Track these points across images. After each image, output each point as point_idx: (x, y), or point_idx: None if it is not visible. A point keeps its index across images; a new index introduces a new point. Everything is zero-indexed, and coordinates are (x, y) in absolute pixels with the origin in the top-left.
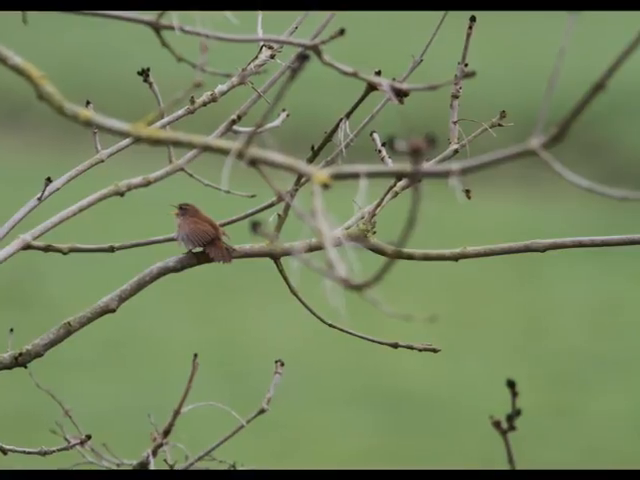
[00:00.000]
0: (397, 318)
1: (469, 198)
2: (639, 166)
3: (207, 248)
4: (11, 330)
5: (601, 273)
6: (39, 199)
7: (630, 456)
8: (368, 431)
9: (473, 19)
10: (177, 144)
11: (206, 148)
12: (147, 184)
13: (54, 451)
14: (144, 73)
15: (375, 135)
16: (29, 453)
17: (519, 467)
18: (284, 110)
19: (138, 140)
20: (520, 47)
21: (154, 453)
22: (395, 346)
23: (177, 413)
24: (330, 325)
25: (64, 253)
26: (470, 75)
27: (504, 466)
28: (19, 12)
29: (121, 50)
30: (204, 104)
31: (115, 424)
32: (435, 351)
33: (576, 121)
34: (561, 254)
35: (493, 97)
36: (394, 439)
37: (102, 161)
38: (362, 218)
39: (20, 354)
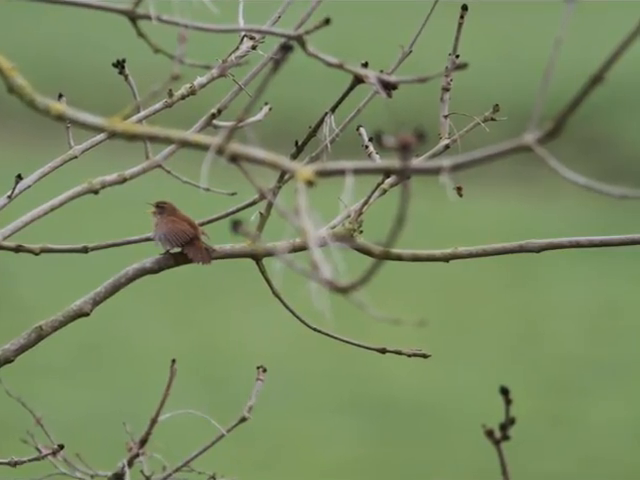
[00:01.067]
0: (385, 322)
1: (460, 196)
2: (639, 162)
3: (186, 248)
4: None
5: (600, 275)
6: (9, 197)
7: (630, 466)
8: (354, 440)
9: (465, 8)
10: (154, 139)
11: (184, 143)
12: (122, 181)
13: (25, 461)
14: (120, 65)
15: (362, 130)
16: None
17: (514, 479)
18: (266, 104)
19: (113, 135)
20: (514, 38)
21: (130, 463)
22: (383, 351)
23: (154, 421)
24: (314, 329)
25: (36, 254)
26: (462, 67)
27: (497, 477)
28: None
29: (96, 41)
30: (182, 97)
31: (89, 433)
32: (425, 356)
33: (573, 115)
34: (558, 255)
35: (486, 90)
36: (381, 449)
37: (75, 157)
38: (348, 217)
39: None
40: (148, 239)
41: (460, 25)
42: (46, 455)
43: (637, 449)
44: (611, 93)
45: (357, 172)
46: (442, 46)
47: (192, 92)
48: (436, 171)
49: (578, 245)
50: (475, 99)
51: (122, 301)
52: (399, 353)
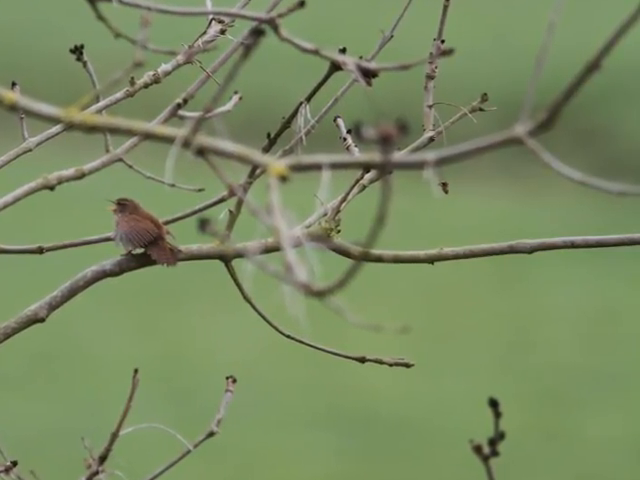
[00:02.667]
0: (365, 328)
1: (446, 192)
2: (636, 156)
3: (149, 249)
4: None
5: (596, 277)
6: None
7: None
8: (331, 456)
9: None
10: (115, 131)
11: (148, 136)
12: (81, 176)
13: None
14: (77, 51)
15: (339, 121)
16: None
17: None
18: (236, 92)
19: (70, 127)
20: (504, 22)
21: None
22: (362, 360)
23: (115, 436)
24: (287, 336)
25: None
26: (447, 53)
27: None
28: None
29: (53, 25)
30: (145, 86)
31: (45, 448)
32: (407, 366)
33: (568, 105)
34: (551, 256)
35: (474, 78)
36: (360, 465)
37: (30, 150)
38: (325, 215)
39: None
40: (108, 239)
41: (445, 8)
42: None
43: (635, 466)
44: (608, 81)
45: (334, 166)
46: (426, 30)
47: (156, 80)
48: (420, 165)
49: (573, 245)
50: (462, 87)
51: (80, 306)
52: (380, 362)
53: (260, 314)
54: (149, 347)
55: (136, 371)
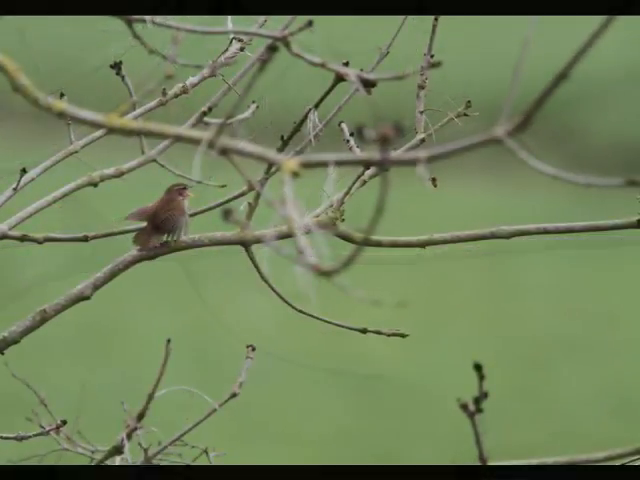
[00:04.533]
0: (366, 303)
1: (435, 186)
2: (604, 153)
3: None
4: None
5: (567, 259)
6: (14, 189)
7: (601, 440)
8: (339, 413)
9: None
10: (149, 134)
11: (178, 138)
12: (120, 175)
13: (30, 436)
14: (116, 66)
15: (343, 125)
16: (6, 438)
17: (488, 448)
18: (254, 102)
19: (111, 131)
20: (487, 35)
21: (128, 437)
22: (364, 331)
23: (151, 397)
24: (300, 311)
25: (39, 242)
26: (436, 66)
27: (473, 448)
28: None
29: (97, 39)
30: (175, 96)
31: (90, 409)
32: (403, 336)
33: (540, 110)
34: (527, 240)
35: (460, 86)
36: (365, 421)
37: (76, 152)
38: (331, 206)
39: None
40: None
41: (434, 27)
42: (49, 431)
43: (606, 422)
44: (578, 88)
45: (339, 164)
46: (419, 45)
47: (184, 91)
48: (413, 162)
49: (545, 231)
50: (450, 95)
51: (120, 286)
52: (379, 333)
53: (275, 292)
54: (180, 320)
55: (169, 341)
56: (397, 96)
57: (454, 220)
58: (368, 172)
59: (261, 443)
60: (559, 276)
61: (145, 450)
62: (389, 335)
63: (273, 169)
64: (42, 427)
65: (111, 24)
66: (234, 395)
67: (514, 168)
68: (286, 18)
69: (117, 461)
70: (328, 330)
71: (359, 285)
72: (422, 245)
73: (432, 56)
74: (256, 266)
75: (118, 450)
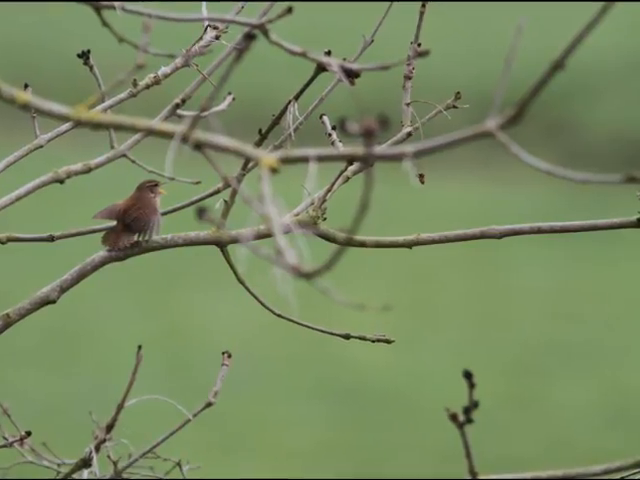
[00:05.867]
0: (349, 307)
1: (422, 183)
2: (601, 147)
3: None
4: None
5: (560, 259)
6: None
7: (598, 450)
8: (321, 424)
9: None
10: (119, 128)
11: (149, 132)
12: (88, 171)
13: None
14: (84, 55)
15: (325, 118)
16: None
17: (479, 462)
18: (230, 93)
19: (79, 124)
20: (476, 25)
21: (97, 449)
22: (347, 337)
23: (120, 407)
24: (278, 315)
25: (2, 243)
26: (423, 54)
27: (463, 461)
28: None
29: (64, 28)
30: (147, 87)
31: (55, 419)
32: (388, 342)
33: (534, 101)
34: (519, 240)
35: (448, 77)
36: (348, 433)
37: (41, 146)
38: (312, 204)
39: None
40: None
41: (422, 14)
42: (12, 442)
43: (604, 432)
44: (573, 79)
45: (320, 159)
46: (405, 35)
47: (156, 82)
48: (399, 157)
49: (539, 231)
50: (438, 87)
51: (88, 288)
52: (363, 339)
53: (253, 295)
54: (152, 326)
55: (140, 347)
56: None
57: (442, 219)
58: (351, 168)
59: (238, 456)
60: (554, 277)
61: (114, 463)
62: (374, 341)
63: (250, 165)
64: (5, 438)
65: (78, 11)
66: (209, 404)
67: (506, 164)
68: (264, 4)
69: (85, 475)
70: (310, 335)
71: (342, 288)
72: (409, 245)
73: (419, 45)
74: (232, 268)
75: (86, 463)
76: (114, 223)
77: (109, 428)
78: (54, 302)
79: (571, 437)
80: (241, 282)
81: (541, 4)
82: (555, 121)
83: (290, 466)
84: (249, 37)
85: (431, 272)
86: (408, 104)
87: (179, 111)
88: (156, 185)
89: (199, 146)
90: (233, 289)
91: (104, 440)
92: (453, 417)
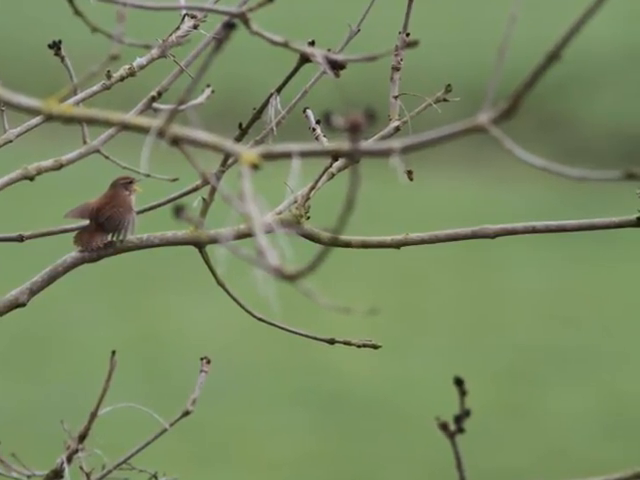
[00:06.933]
0: (334, 310)
1: (411, 180)
2: (599, 142)
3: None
4: None
5: (556, 260)
6: None
7: (597, 462)
8: (304, 434)
9: None
10: (92, 122)
11: (124, 126)
12: (59, 167)
13: None
14: (55, 46)
15: (308, 112)
16: None
17: (470, 473)
18: (209, 86)
19: (50, 118)
20: (467, 14)
21: (69, 460)
22: (331, 342)
23: (94, 416)
24: (259, 319)
25: None
26: (412, 45)
27: (453, 472)
28: None
29: (34, 17)
30: (121, 79)
31: (25, 428)
32: (375, 347)
33: (529, 94)
34: (513, 240)
35: (438, 69)
36: (333, 443)
37: (10, 141)
38: (295, 202)
39: None
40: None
41: (410, 1)
42: None
43: (602, 442)
44: (569, 71)
45: (304, 155)
46: (392, 25)
47: (131, 73)
48: (386, 153)
49: (534, 230)
50: (427, 79)
51: (60, 291)
52: (348, 344)
53: (233, 298)
54: (127, 330)
55: (114, 353)
56: (369, 79)
57: (432, 217)
58: (336, 164)
59: (217, 467)
60: (549, 279)
61: (87, 475)
62: (359, 346)
63: (230, 161)
64: None
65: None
66: (187, 413)
67: (499, 160)
68: None
69: None
70: (293, 340)
71: (326, 290)
72: (397, 245)
73: (408, 34)
74: (211, 269)
75: (57, 474)
76: (87, 222)
77: (82, 438)
78: (24, 305)
79: (567, 447)
80: (220, 284)
81: None
82: (550, 115)
83: (272, 478)
84: (229, 26)
85: (420, 274)
86: (396, 97)
87: (155, 104)
88: (131, 182)
89: (176, 141)
90: (212, 291)
91: (76, 450)
92: (443, 426)
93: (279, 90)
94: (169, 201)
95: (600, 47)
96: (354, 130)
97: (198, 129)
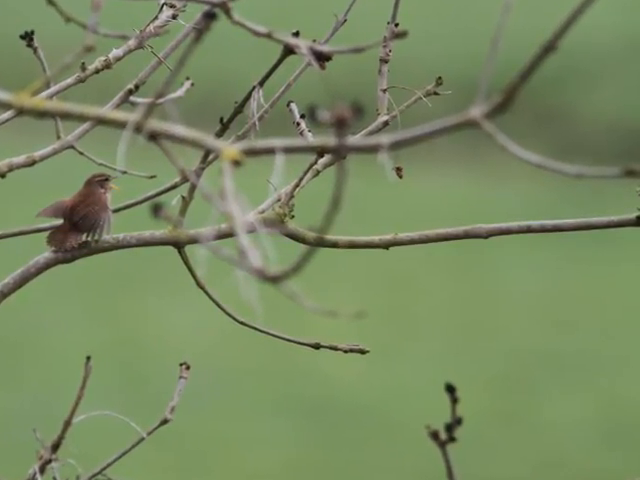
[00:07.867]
0: (320, 314)
1: (400, 177)
2: (597, 137)
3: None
4: None
5: (552, 261)
6: None
7: (594, 471)
8: (288, 443)
9: None
10: (67, 116)
11: (99, 121)
12: (32, 163)
13: None
14: (28, 37)
15: (292, 105)
16: None
17: None
18: (188, 78)
19: (21, 112)
20: (459, 2)
21: (41, 470)
22: (316, 347)
23: (68, 424)
24: (241, 323)
25: None
26: (401, 36)
27: None
28: None
29: (4, 7)
30: (97, 71)
31: None
32: (362, 352)
33: (524, 87)
34: (507, 240)
35: (429, 61)
36: (318, 452)
37: None
38: (278, 200)
39: None
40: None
41: None
42: None
43: (601, 451)
44: (565, 63)
45: (288, 151)
46: (382, 12)
47: (107, 65)
48: (374, 149)
49: (529, 230)
50: (417, 71)
51: (32, 293)
52: (334, 349)
53: (213, 300)
54: (103, 334)
55: (89, 358)
56: (356, 72)
57: (422, 216)
58: (322, 161)
59: (197, 478)
60: (545, 281)
61: None
62: (346, 351)
63: (211, 157)
64: None
65: None
66: (165, 421)
67: (493, 156)
68: None
69: None
70: (277, 345)
71: (311, 293)
72: (385, 246)
73: (397, 25)
74: (191, 270)
75: None
76: (60, 221)
77: (55, 447)
78: None
79: (564, 457)
80: (200, 286)
81: None
82: (547, 109)
83: None
84: (209, 16)
85: (410, 275)
86: (384, 90)
87: (132, 98)
88: (107, 179)
89: (154, 136)
90: (192, 294)
91: (50, 460)
92: (434, 435)
93: (262, 83)
94: (147, 199)
95: (599, 37)
96: (340, 125)
97: (177, 124)
